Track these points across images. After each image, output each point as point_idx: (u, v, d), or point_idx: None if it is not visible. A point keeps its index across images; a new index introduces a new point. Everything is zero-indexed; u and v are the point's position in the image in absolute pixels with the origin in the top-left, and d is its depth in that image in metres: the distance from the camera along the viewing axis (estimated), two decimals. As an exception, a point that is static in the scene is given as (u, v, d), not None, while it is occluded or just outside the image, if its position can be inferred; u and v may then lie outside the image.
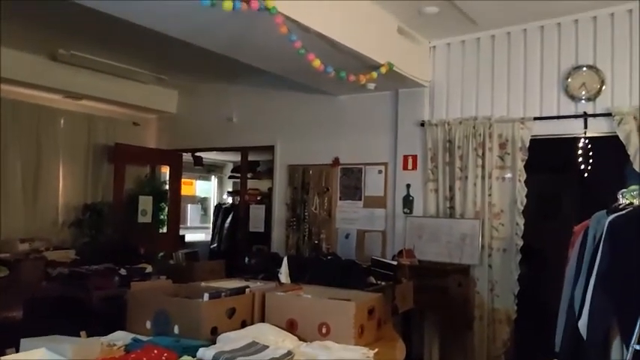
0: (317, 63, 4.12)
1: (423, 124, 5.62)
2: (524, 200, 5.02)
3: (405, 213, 5.70)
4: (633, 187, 3.08)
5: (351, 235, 6.14)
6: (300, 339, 2.42)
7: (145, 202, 7.22)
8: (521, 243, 5.02)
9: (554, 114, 5.01)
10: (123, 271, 4.56)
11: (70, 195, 6.96)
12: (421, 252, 5.29)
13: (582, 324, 2.43)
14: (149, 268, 4.78)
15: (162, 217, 7.60)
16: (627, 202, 2.99)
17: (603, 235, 2.48)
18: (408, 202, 5.72)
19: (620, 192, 3.21)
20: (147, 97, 7.42)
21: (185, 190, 9.30)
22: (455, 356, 5.24)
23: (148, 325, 2.42)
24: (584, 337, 2.42)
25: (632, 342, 2.24)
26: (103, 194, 7.21)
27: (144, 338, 2.28)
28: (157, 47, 5.46)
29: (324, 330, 2.42)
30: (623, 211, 2.60)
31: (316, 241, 6.29)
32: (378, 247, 5.90)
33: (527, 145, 5.04)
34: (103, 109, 7.45)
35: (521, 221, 5.03)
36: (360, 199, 6.14)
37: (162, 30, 4.21)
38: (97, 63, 6.30)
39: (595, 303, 2.40)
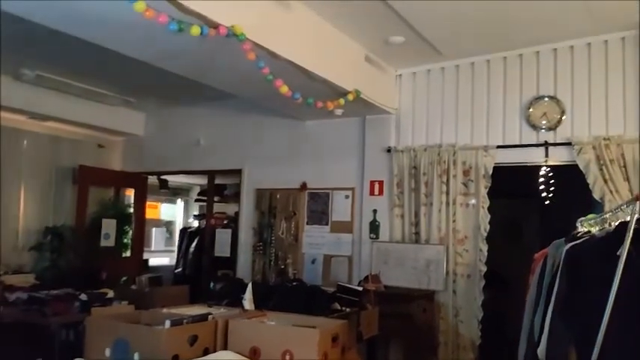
0: (285, 89, 4.15)
1: (389, 151, 5.69)
2: (488, 226, 5.11)
3: (371, 238, 5.73)
4: (591, 215, 3.16)
5: (318, 260, 6.13)
6: (263, 367, 2.40)
7: (109, 226, 7.10)
8: (484, 269, 5.09)
9: (517, 142, 5.13)
10: (83, 297, 4.46)
11: (31, 218, 6.79)
12: (387, 277, 5.31)
13: (541, 351, 2.46)
14: (110, 294, 4.69)
15: (125, 240, 7.47)
16: (585, 230, 3.07)
17: (560, 264, 2.53)
18: (374, 227, 5.75)
19: (579, 220, 3.30)
20: (113, 120, 7.34)
21: (150, 214, 9.17)
22: (420, 382, 5.24)
23: (107, 352, 2.37)
24: (543, 364, 2.46)
25: (589, 369, 2.28)
26: (66, 217, 7.06)
27: (102, 366, 2.23)
28: (124, 70, 5.43)
29: (287, 357, 2.40)
30: (580, 240, 2.67)
31: (282, 266, 6.26)
32: (345, 273, 5.90)
33: (490, 172, 5.15)
34: (67, 131, 7.33)
35: (484, 247, 5.10)
36: (327, 224, 6.15)
37: (130, 54, 4.20)
38: (62, 84, 6.22)
39: (553, 330, 2.44)
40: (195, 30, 3.24)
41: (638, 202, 2.41)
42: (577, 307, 2.43)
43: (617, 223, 2.60)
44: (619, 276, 2.30)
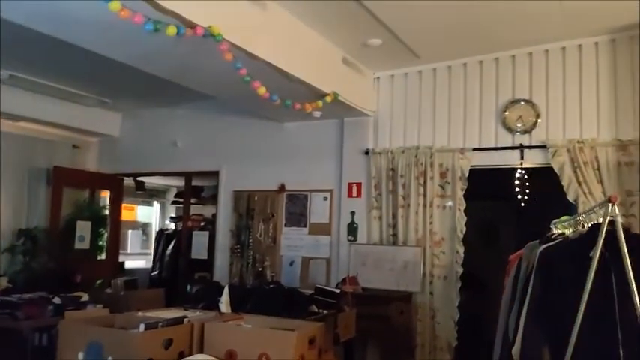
0: (262, 90, 4.14)
1: (367, 153, 5.71)
2: (464, 228, 5.16)
3: (349, 240, 5.74)
4: (564, 217, 3.21)
5: (296, 262, 6.12)
6: (240, 370, 2.38)
7: (84, 228, 7.00)
8: (461, 270, 5.13)
9: (492, 145, 5.20)
10: (57, 300, 4.38)
11: (4, 219, 6.63)
12: (365, 279, 5.31)
13: (516, 351, 2.49)
14: (85, 297, 4.61)
15: (101, 243, 7.36)
16: (559, 232, 3.11)
17: (534, 265, 2.57)
18: (352, 229, 5.76)
19: (553, 222, 3.35)
20: (89, 120, 7.24)
21: (126, 216, 9.07)
22: (397, 384, 5.26)
23: (80, 356, 2.33)
24: (517, 364, 2.49)
25: (563, 369, 2.32)
26: (39, 219, 6.93)
27: (75, 371, 2.20)
28: (100, 70, 5.36)
29: (263, 360, 2.39)
30: (553, 242, 2.71)
31: (260, 269, 6.23)
32: (323, 275, 5.90)
33: (467, 174, 5.20)
34: (42, 131, 7.20)
35: (461, 249, 5.15)
36: (306, 226, 6.15)
37: (106, 54, 4.15)
38: (37, 85, 6.12)
39: (527, 330, 2.47)
40: (172, 30, 3.21)
41: (610, 204, 2.45)
42: (550, 307, 2.47)
43: (589, 225, 2.64)
44: (591, 277, 2.34)
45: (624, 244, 2.37)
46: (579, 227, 2.83)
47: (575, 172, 4.74)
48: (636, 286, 2.33)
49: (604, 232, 2.40)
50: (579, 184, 4.71)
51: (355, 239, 5.71)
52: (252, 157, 6.50)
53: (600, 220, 2.49)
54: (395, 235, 5.46)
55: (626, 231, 2.49)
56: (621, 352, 2.40)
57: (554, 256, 2.54)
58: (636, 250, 2.40)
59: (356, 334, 4.18)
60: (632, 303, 2.33)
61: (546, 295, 2.47)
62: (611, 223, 2.43)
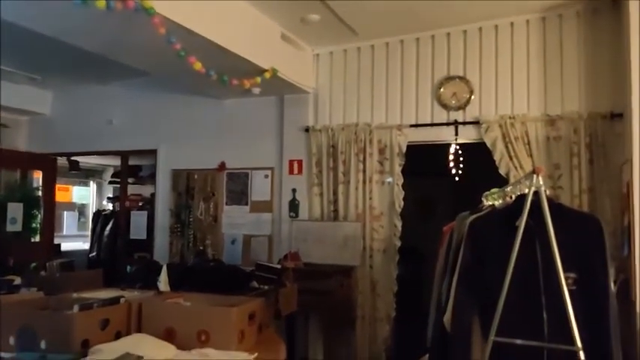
0: (198, 66, 4.06)
1: (307, 130, 5.72)
2: (402, 203, 5.27)
3: (291, 217, 5.77)
4: (494, 190, 3.34)
5: (238, 240, 6.11)
6: (179, 348, 2.38)
7: (15, 210, 6.74)
8: (399, 244, 5.26)
9: (428, 121, 5.30)
10: (-13, 285, 4.22)
11: None
12: (307, 255, 5.37)
13: (447, 319, 2.60)
14: (18, 280, 4.45)
15: (34, 225, 7.12)
16: (489, 203, 3.24)
17: (464, 235, 2.67)
18: (293, 206, 5.79)
19: (484, 194, 3.47)
20: (17, 98, 6.92)
21: (61, 197, 8.78)
22: (338, 356, 5.37)
23: (11, 341, 2.26)
24: (448, 331, 2.59)
25: (491, 334, 2.43)
26: (-34, 202, 6.64)
27: (6, 355, 2.14)
28: (28, 45, 5.12)
29: (203, 337, 2.39)
30: (482, 212, 2.81)
31: (201, 247, 6.19)
32: (265, 252, 5.92)
33: (404, 150, 5.29)
34: (-35, 110, 6.86)
35: (399, 223, 5.27)
36: (247, 204, 6.13)
37: (32, 27, 3.97)
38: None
39: (457, 298, 2.58)
40: (101, 3, 3.10)
41: (535, 175, 2.56)
42: (479, 275, 2.57)
43: (515, 196, 2.76)
44: (517, 245, 2.45)
45: (548, 213, 2.49)
46: (507, 198, 2.95)
47: (506, 146, 4.89)
48: (558, 253, 2.46)
49: (529, 202, 2.51)
50: (511, 158, 4.87)
51: (297, 216, 5.75)
52: (191, 135, 6.41)
53: (527, 191, 2.60)
54: (335, 210, 5.53)
55: (550, 201, 2.61)
56: (545, 316, 2.54)
57: (482, 226, 2.64)
58: (559, 219, 2.53)
59: (297, 309, 4.24)
60: (554, 269, 2.46)
61: (475, 264, 2.58)
62: (536, 193, 2.55)
